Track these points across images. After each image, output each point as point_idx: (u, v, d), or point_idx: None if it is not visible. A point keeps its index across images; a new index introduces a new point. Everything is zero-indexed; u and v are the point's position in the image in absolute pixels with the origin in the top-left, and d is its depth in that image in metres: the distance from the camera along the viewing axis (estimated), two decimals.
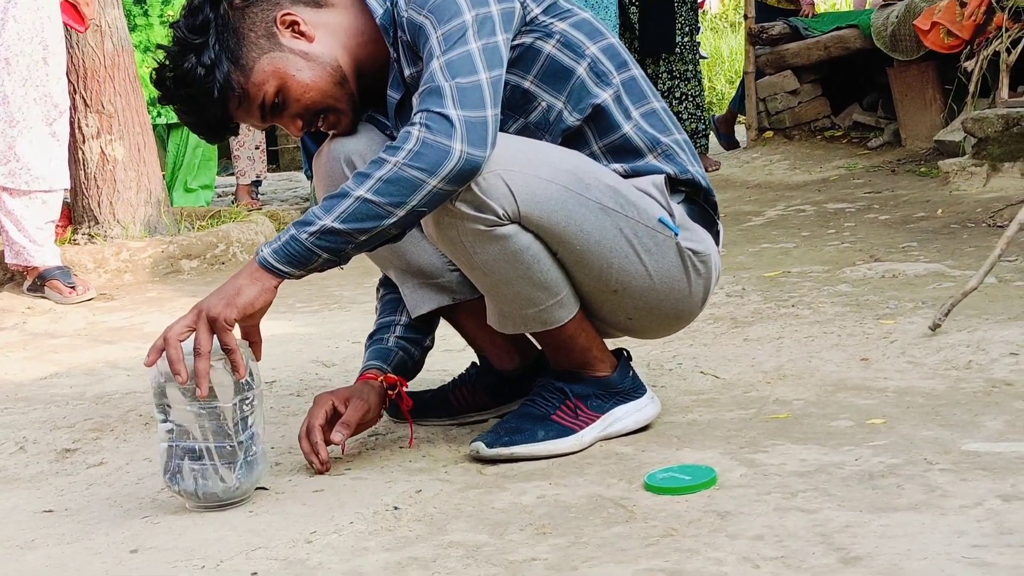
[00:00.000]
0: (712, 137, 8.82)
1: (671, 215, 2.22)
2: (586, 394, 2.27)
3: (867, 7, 9.65)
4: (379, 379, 2.36)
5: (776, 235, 5.00)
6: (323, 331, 3.70)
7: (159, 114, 6.46)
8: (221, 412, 2.02)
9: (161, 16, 6.48)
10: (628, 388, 2.32)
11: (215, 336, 1.99)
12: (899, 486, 1.91)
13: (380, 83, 2.27)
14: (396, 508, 2.00)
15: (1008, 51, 6.36)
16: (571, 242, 2.12)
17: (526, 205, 2.06)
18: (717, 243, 2.37)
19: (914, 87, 7.63)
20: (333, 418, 2.27)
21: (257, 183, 7.47)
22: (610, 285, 2.20)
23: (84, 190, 5.25)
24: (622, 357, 2.35)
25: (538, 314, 2.18)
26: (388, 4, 2.22)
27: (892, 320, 3.13)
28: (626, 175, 2.23)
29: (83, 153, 5.21)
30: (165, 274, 5.02)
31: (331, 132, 2.33)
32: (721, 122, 9.19)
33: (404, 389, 2.38)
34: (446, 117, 1.99)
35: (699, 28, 8.11)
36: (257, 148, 7.35)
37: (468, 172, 2.00)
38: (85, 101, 5.21)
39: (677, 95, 7.67)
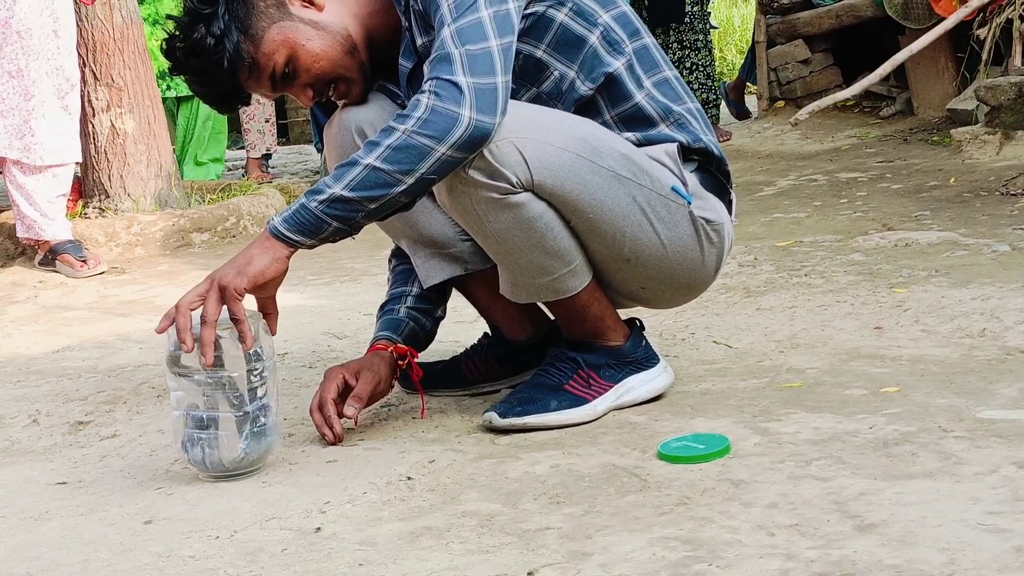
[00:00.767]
0: (724, 108, 8.79)
1: (684, 183, 2.21)
2: (599, 364, 2.27)
3: None
4: (389, 349, 2.36)
5: (788, 205, 4.98)
6: (335, 303, 3.69)
7: (169, 87, 6.45)
8: (227, 382, 2.02)
9: None
10: (641, 357, 2.32)
11: (224, 306, 1.99)
12: (913, 454, 1.90)
13: (391, 52, 2.26)
14: (409, 478, 2.00)
15: (1021, 18, 6.31)
16: (584, 210, 2.11)
17: (539, 173, 2.05)
18: (730, 212, 2.36)
19: (926, 55, 7.56)
20: (345, 391, 2.27)
21: (267, 156, 7.46)
22: (623, 254, 2.19)
23: (95, 164, 5.25)
24: (635, 327, 2.35)
25: (551, 283, 2.18)
26: None
27: (905, 289, 3.12)
28: (639, 144, 2.22)
29: (93, 127, 5.21)
30: (176, 247, 5.02)
31: (342, 102, 2.33)
32: (731, 88, 9.16)
33: (415, 359, 2.38)
34: (455, 84, 1.98)
35: None
36: (267, 121, 7.34)
37: (478, 139, 1.99)
38: (95, 74, 5.20)
39: (687, 65, 7.63)
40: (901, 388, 2.28)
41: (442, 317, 2.52)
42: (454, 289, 2.52)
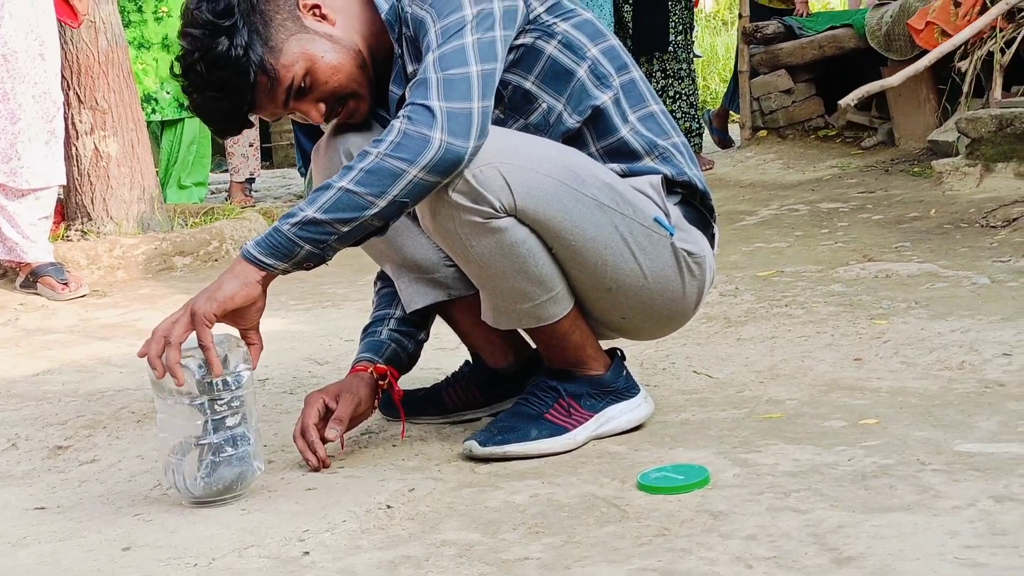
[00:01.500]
0: (707, 136, 8.82)
1: (667, 215, 2.22)
2: (579, 393, 2.27)
3: (861, 6, 9.64)
4: (369, 370, 2.37)
5: (769, 234, 5.00)
6: (316, 329, 3.69)
7: (153, 111, 6.45)
8: (189, 410, 2.02)
9: (155, 12, 6.47)
10: (622, 388, 2.32)
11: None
12: (892, 486, 1.91)
13: (384, 78, 2.27)
14: (389, 507, 2.00)
15: (1002, 51, 6.36)
16: (567, 237, 2.12)
17: (522, 198, 2.06)
18: (713, 246, 2.37)
19: (908, 87, 7.61)
20: (326, 415, 2.27)
21: (251, 180, 7.47)
22: (604, 283, 2.20)
23: (77, 186, 5.24)
24: (616, 357, 2.35)
25: (532, 309, 2.18)
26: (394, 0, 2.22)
27: (885, 320, 3.13)
28: (623, 175, 2.23)
29: (76, 149, 5.20)
30: (158, 271, 5.02)
31: (328, 126, 2.34)
32: (715, 117, 9.20)
33: (395, 379, 2.39)
34: (428, 108, 2.00)
35: (693, 26, 8.10)
36: (251, 145, 7.34)
37: (450, 162, 2.00)
38: (79, 97, 5.19)
39: (671, 94, 7.66)
40: (880, 420, 2.28)
41: (425, 340, 2.52)
42: (437, 315, 2.53)
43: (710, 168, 7.75)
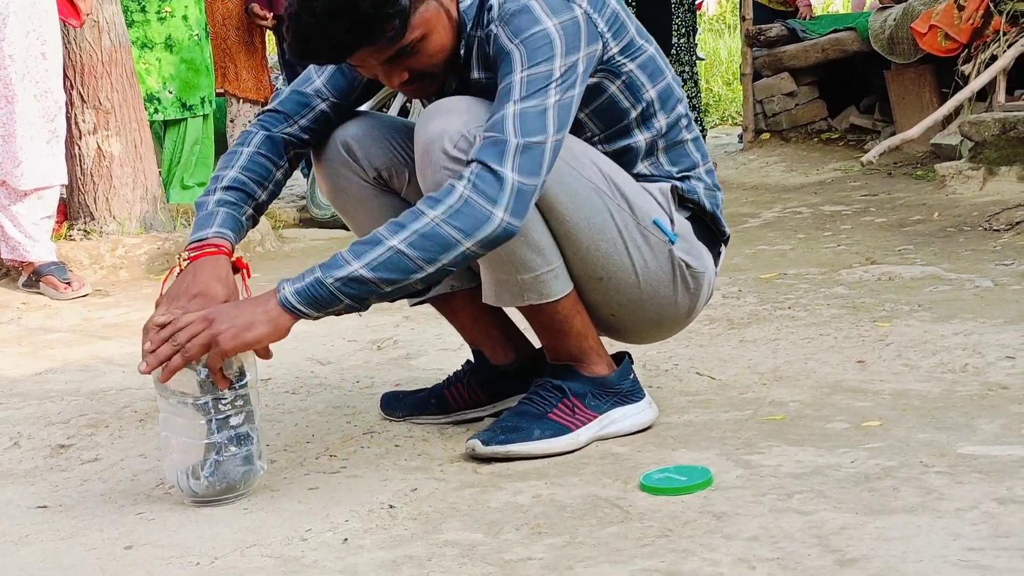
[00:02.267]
0: (710, 139, 8.83)
1: (671, 222, 2.22)
2: (584, 392, 2.27)
3: (865, 10, 9.65)
4: (224, 251, 2.19)
5: (772, 237, 4.99)
6: (318, 328, 3.66)
7: (156, 111, 6.45)
8: (192, 410, 2.01)
9: (159, 12, 6.46)
10: (627, 390, 2.32)
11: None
12: (895, 488, 1.91)
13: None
14: (391, 506, 2.00)
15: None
16: (560, 211, 2.15)
17: None
18: (716, 264, 2.37)
19: (911, 90, 7.64)
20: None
21: None
22: (596, 271, 2.21)
23: (80, 186, 5.24)
24: (624, 359, 2.36)
25: (533, 281, 2.18)
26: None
27: (888, 323, 3.13)
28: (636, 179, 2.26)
29: (79, 149, 5.20)
30: (161, 270, 5.01)
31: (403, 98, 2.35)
32: None
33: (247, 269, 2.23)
34: (500, 178, 1.97)
35: (696, 29, 8.11)
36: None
37: (503, 239, 2.00)
38: (82, 97, 5.20)
39: None
40: (883, 422, 2.28)
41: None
42: (438, 311, 2.52)
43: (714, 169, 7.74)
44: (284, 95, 2.34)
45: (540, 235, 2.15)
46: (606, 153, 2.25)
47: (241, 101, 7.20)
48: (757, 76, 8.67)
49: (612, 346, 2.41)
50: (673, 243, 2.22)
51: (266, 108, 2.32)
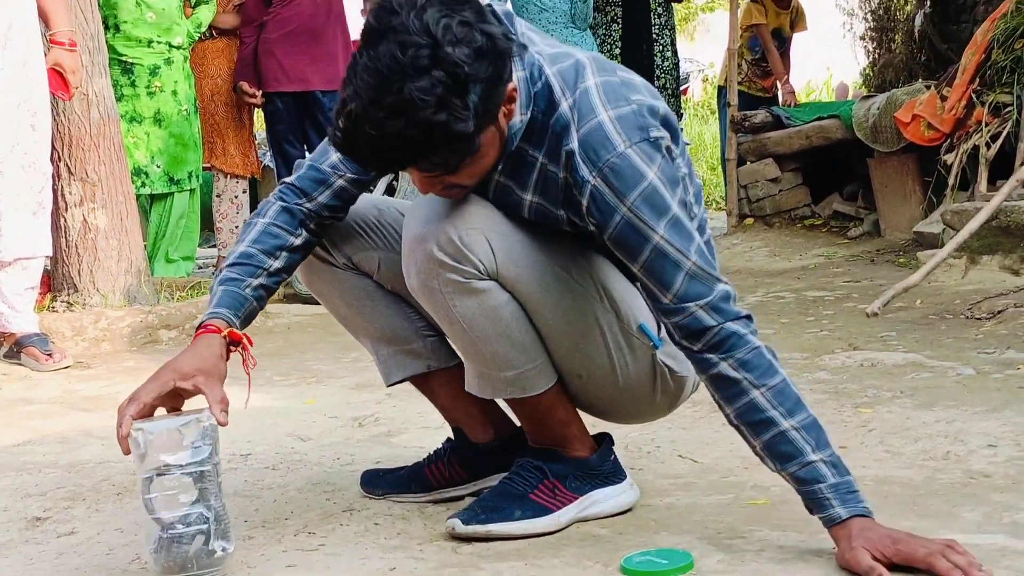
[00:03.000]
0: None
1: (659, 324, 2.21)
2: (565, 474, 2.26)
3: (848, 98, 9.75)
4: (223, 333, 2.11)
5: (756, 321, 4.99)
6: (300, 404, 3.68)
7: (143, 184, 6.47)
8: (140, 483, 1.97)
9: (148, 87, 6.50)
10: (608, 471, 2.32)
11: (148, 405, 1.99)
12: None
13: None
14: None
15: (988, 145, 6.43)
16: (544, 313, 2.14)
17: (504, 265, 2.08)
18: None
19: (894, 178, 7.70)
20: (171, 394, 2.04)
21: None
22: (575, 368, 2.21)
23: (65, 258, 5.24)
24: (604, 441, 2.35)
25: (516, 378, 2.18)
26: (530, 111, 2.03)
27: (870, 409, 3.13)
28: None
29: (65, 221, 5.21)
30: (143, 344, 5.00)
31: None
32: None
33: (248, 348, 2.14)
34: (739, 331, 2.03)
35: (682, 114, 8.18)
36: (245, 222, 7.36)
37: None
38: (69, 169, 5.21)
39: None
40: None
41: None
42: (416, 388, 2.52)
43: None
44: (302, 169, 2.28)
45: (523, 335, 2.15)
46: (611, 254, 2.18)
47: (228, 176, 7.23)
48: (741, 161, 8.73)
49: (594, 426, 2.40)
50: (658, 348, 2.22)
51: (284, 180, 2.27)
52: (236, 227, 7.28)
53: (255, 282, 2.17)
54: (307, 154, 7.30)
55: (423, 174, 1.97)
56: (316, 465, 2.86)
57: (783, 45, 9.58)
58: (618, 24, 7.58)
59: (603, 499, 2.30)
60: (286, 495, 2.60)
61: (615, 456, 2.36)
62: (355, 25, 7.46)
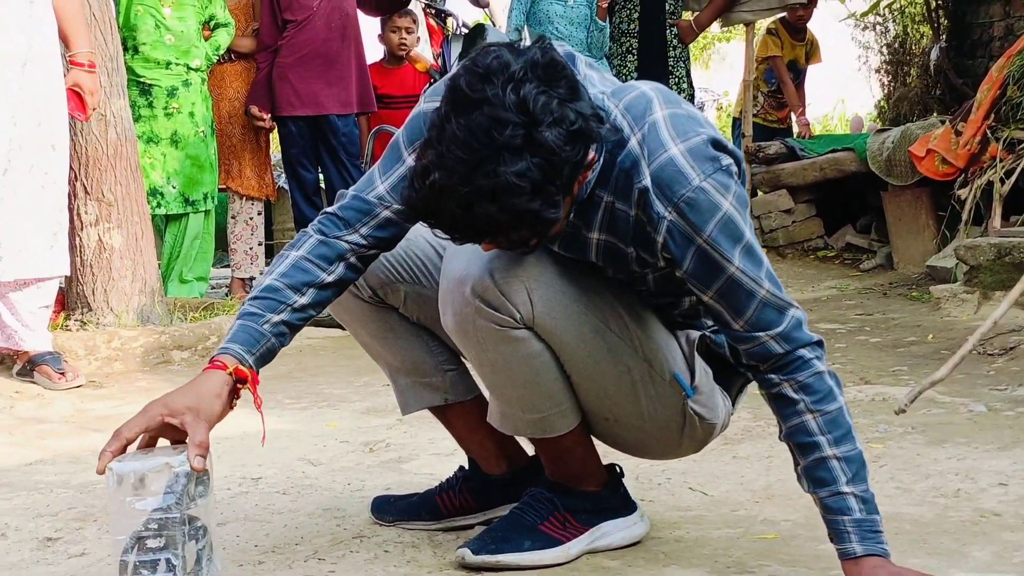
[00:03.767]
0: None
1: (692, 372, 2.21)
2: (576, 508, 2.27)
3: (863, 131, 9.77)
4: (229, 370, 2.01)
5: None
6: (311, 428, 3.68)
7: (159, 204, 6.49)
8: (111, 523, 1.92)
9: (166, 108, 6.53)
10: (618, 505, 2.32)
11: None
12: None
13: None
14: None
15: (1002, 181, 6.43)
16: (577, 363, 2.13)
17: (541, 316, 2.07)
18: (738, 400, 2.38)
19: (908, 212, 7.70)
20: (159, 430, 1.98)
21: (253, 279, 7.49)
22: (603, 413, 2.21)
23: (79, 277, 5.26)
24: (614, 473, 2.35)
25: (538, 420, 2.18)
26: (601, 157, 1.99)
27: (881, 444, 3.13)
28: (672, 321, 2.24)
29: (80, 240, 5.23)
30: (155, 364, 5.01)
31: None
32: None
33: (255, 386, 2.05)
34: (809, 360, 2.01)
35: None
36: (260, 244, 7.38)
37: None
38: (86, 189, 5.23)
39: None
40: None
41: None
42: (433, 416, 2.52)
43: None
44: (346, 199, 2.14)
45: (552, 383, 2.15)
46: (648, 302, 2.19)
47: (243, 198, 7.25)
48: (754, 192, 8.74)
49: (605, 455, 2.40)
50: (690, 397, 2.22)
51: (327, 210, 2.15)
52: (250, 249, 7.31)
53: (276, 318, 2.06)
54: (320, 177, 7.33)
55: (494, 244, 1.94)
56: (327, 490, 2.87)
57: (798, 77, 9.61)
58: (633, 55, 7.60)
59: (613, 531, 2.31)
60: (296, 520, 2.60)
61: (624, 488, 2.36)
62: (370, 50, 7.49)
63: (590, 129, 1.83)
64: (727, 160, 1.96)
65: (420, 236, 2.35)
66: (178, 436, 1.97)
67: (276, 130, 7.30)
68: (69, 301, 5.34)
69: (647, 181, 1.95)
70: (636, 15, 7.60)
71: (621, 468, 2.39)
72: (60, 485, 3.01)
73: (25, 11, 4.29)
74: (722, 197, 1.93)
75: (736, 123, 9.55)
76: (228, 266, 7.82)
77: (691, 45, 7.95)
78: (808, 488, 2.01)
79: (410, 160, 2.04)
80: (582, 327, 2.11)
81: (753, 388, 2.38)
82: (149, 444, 1.96)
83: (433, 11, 8.96)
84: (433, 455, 3.17)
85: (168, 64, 6.53)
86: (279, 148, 7.78)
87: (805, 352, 2.00)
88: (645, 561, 2.24)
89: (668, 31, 7.64)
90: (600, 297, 2.13)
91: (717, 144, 1.97)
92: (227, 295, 7.30)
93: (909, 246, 7.66)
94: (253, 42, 7.16)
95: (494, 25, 8.77)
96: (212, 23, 6.81)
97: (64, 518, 2.68)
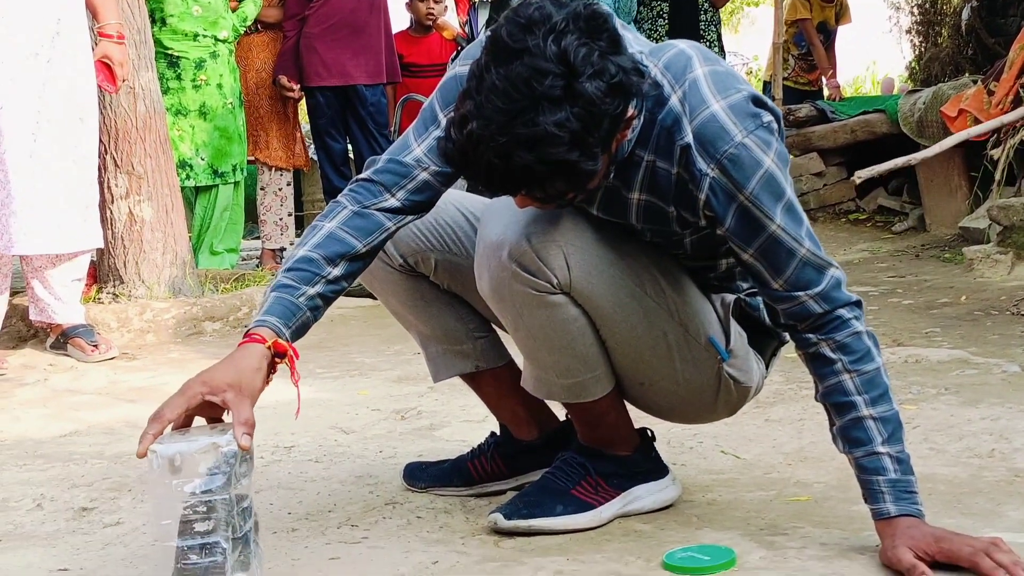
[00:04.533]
0: None
1: (727, 336, 2.21)
2: (608, 472, 2.26)
3: (894, 92, 9.68)
4: (267, 344, 1.95)
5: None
6: (343, 397, 3.69)
7: (188, 177, 6.51)
8: (152, 508, 1.87)
9: (194, 80, 6.54)
10: (650, 468, 2.32)
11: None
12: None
13: None
14: None
15: None
16: (613, 328, 2.13)
17: (578, 280, 2.06)
18: (771, 364, 2.37)
19: (940, 173, 7.64)
20: (199, 408, 1.91)
21: (284, 249, 7.52)
22: (638, 377, 2.21)
23: (111, 249, 5.28)
24: (645, 437, 2.35)
25: (572, 385, 2.18)
26: (641, 117, 1.97)
27: (914, 406, 3.11)
28: (707, 283, 2.23)
29: (111, 213, 5.25)
30: (188, 335, 5.04)
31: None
32: None
33: (293, 361, 2.00)
34: (848, 319, 2.01)
35: None
36: (289, 215, 7.40)
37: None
38: (115, 161, 5.25)
39: None
40: None
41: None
42: (464, 382, 2.52)
43: None
44: (380, 163, 2.11)
45: (588, 348, 2.14)
46: (684, 265, 2.19)
47: (272, 169, 7.26)
48: None
49: (636, 420, 2.39)
50: (725, 360, 2.21)
51: (359, 177, 2.11)
52: (280, 220, 7.33)
53: (311, 290, 2.01)
54: (349, 148, 7.33)
55: (530, 197, 1.89)
56: (359, 458, 2.88)
57: (828, 39, 9.55)
58: (664, 19, 7.57)
59: (645, 495, 2.30)
60: (329, 487, 2.61)
61: (656, 452, 2.36)
62: (397, 18, 7.48)
63: (631, 83, 1.80)
64: (768, 117, 1.95)
65: (451, 204, 2.34)
66: (215, 413, 1.91)
67: (304, 100, 7.30)
68: (101, 274, 5.36)
69: (689, 138, 1.93)
70: None
71: (653, 432, 2.38)
72: (94, 456, 3.03)
73: None
74: (764, 154, 1.92)
75: (766, 86, 9.50)
76: (258, 238, 7.84)
77: (720, 9, 7.90)
78: (843, 448, 2.00)
79: (446, 122, 2.00)
80: (618, 292, 2.10)
81: (785, 351, 2.37)
82: (185, 423, 1.90)
83: None
84: (464, 422, 3.18)
85: (195, 36, 6.53)
86: (307, 118, 7.79)
87: (844, 312, 1.99)
88: (677, 524, 2.24)
89: None
90: (636, 261, 2.12)
91: (757, 101, 1.95)
92: (258, 266, 7.33)
93: (941, 207, 7.60)
94: (280, 12, 7.15)
95: None
96: None
97: (99, 488, 2.69)
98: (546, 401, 2.46)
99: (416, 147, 2.10)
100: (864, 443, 1.96)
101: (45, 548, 2.28)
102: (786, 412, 3.14)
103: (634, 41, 2.01)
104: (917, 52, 11.21)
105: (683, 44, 2.02)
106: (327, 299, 2.05)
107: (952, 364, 3.69)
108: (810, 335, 2.00)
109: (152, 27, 5.84)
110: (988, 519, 2.17)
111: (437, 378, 2.48)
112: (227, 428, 1.86)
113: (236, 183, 6.82)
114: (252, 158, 7.18)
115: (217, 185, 6.70)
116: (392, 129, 7.18)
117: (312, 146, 8.09)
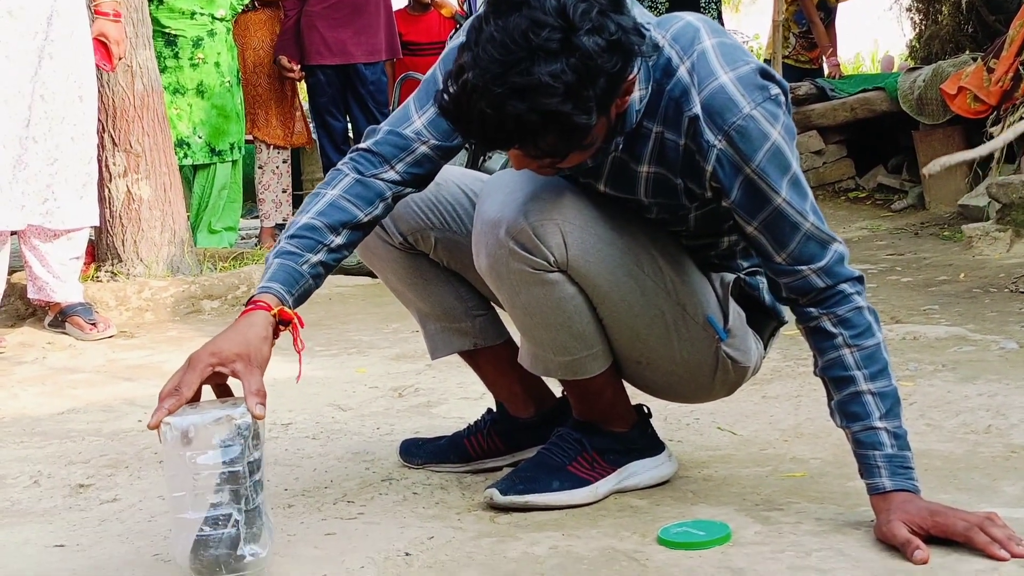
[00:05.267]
0: None
1: (725, 316, 2.20)
2: (604, 447, 2.27)
3: (894, 70, 9.67)
4: (273, 311, 1.95)
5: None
6: (341, 375, 3.70)
7: (186, 155, 6.50)
8: (167, 481, 1.84)
9: (191, 59, 6.53)
10: (646, 445, 2.32)
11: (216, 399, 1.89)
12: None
13: None
14: (408, 554, 1.99)
15: None
16: (611, 306, 2.12)
17: (575, 259, 2.06)
18: (769, 344, 2.37)
19: (939, 151, 7.62)
20: (208, 380, 1.88)
21: (280, 226, 7.52)
22: (635, 356, 2.20)
23: (109, 228, 5.28)
24: (642, 413, 2.35)
25: (570, 363, 2.18)
26: (649, 86, 1.98)
27: (912, 382, 3.11)
28: (707, 261, 2.23)
29: (109, 191, 5.25)
30: (186, 314, 5.04)
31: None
32: None
33: (297, 330, 1.99)
34: (850, 294, 2.00)
35: None
36: (284, 192, 7.39)
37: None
38: (113, 140, 5.25)
39: None
40: None
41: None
42: (462, 359, 2.52)
43: None
44: (380, 135, 2.11)
45: (584, 326, 2.14)
46: (685, 244, 2.19)
47: (270, 147, 7.25)
48: None
49: (632, 396, 2.39)
50: (723, 340, 2.21)
51: (359, 147, 2.12)
52: (277, 198, 7.32)
53: (314, 258, 2.01)
54: (349, 126, 7.33)
55: (523, 154, 1.88)
56: (356, 435, 2.88)
57: (828, 16, 9.52)
58: None
59: (641, 471, 2.31)
60: (326, 464, 2.61)
61: (652, 429, 2.36)
62: None
63: (630, 42, 1.79)
64: (776, 90, 1.95)
65: (451, 181, 2.34)
66: (221, 381, 1.89)
67: (301, 80, 7.29)
68: (99, 252, 5.36)
69: (697, 109, 1.93)
70: None
71: (649, 409, 2.38)
72: (92, 433, 3.03)
73: None
74: (771, 126, 1.92)
75: (767, 65, 9.48)
76: (257, 217, 7.84)
77: None
78: (840, 423, 2.01)
79: (443, 76, 1.96)
80: (616, 270, 2.10)
81: (783, 330, 2.37)
82: (195, 397, 1.86)
83: None
84: (461, 399, 3.18)
85: (193, 14, 6.52)
86: (306, 97, 7.78)
87: (846, 287, 1.99)
88: (673, 500, 2.24)
89: None
90: (635, 240, 2.12)
91: (765, 73, 1.95)
92: (256, 245, 7.32)
93: (941, 185, 7.59)
94: None
95: None
96: None
97: (96, 465, 2.70)
98: (543, 378, 2.45)
99: (416, 119, 2.11)
100: (861, 417, 1.96)
101: (42, 524, 2.29)
102: (783, 389, 3.14)
103: (640, 16, 2.00)
104: (917, 30, 11.17)
105: (690, 16, 2.02)
106: (328, 267, 2.06)
107: (950, 341, 3.69)
108: (811, 309, 2.00)
109: (149, 5, 5.83)
110: (984, 494, 2.17)
111: (435, 355, 2.48)
112: (238, 401, 1.86)
113: (234, 162, 6.82)
114: (250, 137, 7.17)
115: (215, 164, 6.70)
116: (391, 107, 7.17)
117: (312, 124, 8.08)
